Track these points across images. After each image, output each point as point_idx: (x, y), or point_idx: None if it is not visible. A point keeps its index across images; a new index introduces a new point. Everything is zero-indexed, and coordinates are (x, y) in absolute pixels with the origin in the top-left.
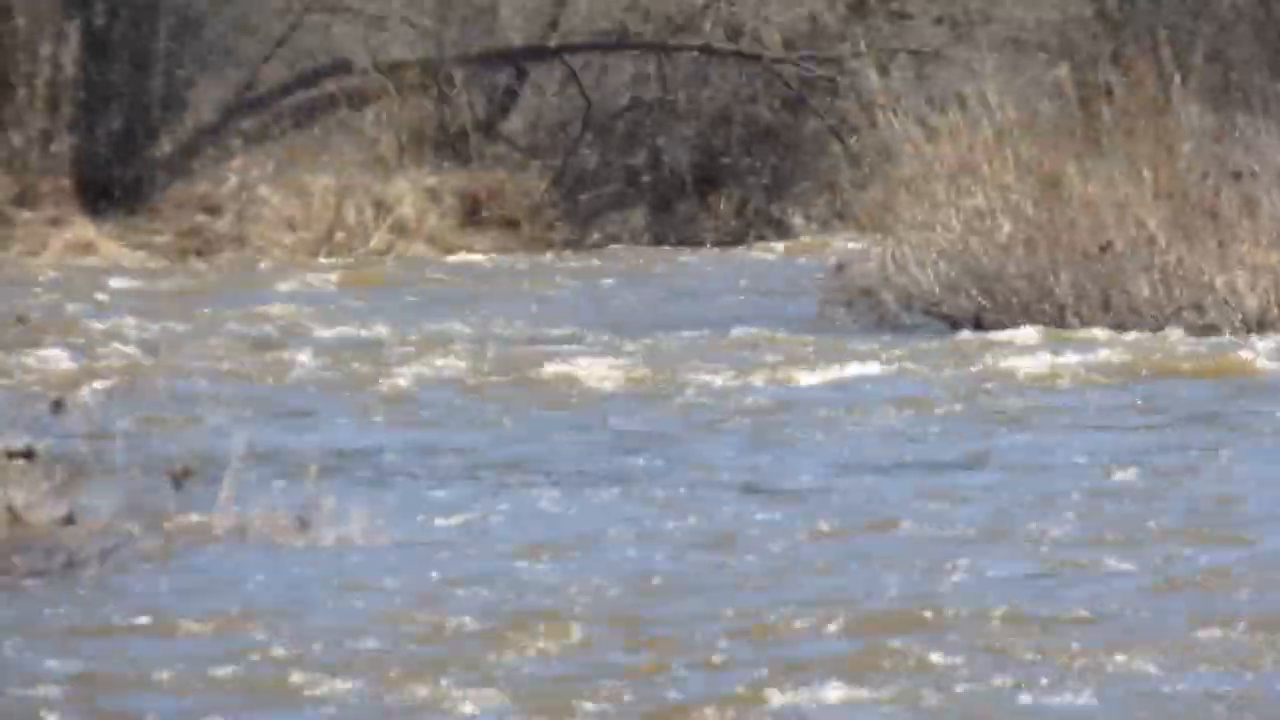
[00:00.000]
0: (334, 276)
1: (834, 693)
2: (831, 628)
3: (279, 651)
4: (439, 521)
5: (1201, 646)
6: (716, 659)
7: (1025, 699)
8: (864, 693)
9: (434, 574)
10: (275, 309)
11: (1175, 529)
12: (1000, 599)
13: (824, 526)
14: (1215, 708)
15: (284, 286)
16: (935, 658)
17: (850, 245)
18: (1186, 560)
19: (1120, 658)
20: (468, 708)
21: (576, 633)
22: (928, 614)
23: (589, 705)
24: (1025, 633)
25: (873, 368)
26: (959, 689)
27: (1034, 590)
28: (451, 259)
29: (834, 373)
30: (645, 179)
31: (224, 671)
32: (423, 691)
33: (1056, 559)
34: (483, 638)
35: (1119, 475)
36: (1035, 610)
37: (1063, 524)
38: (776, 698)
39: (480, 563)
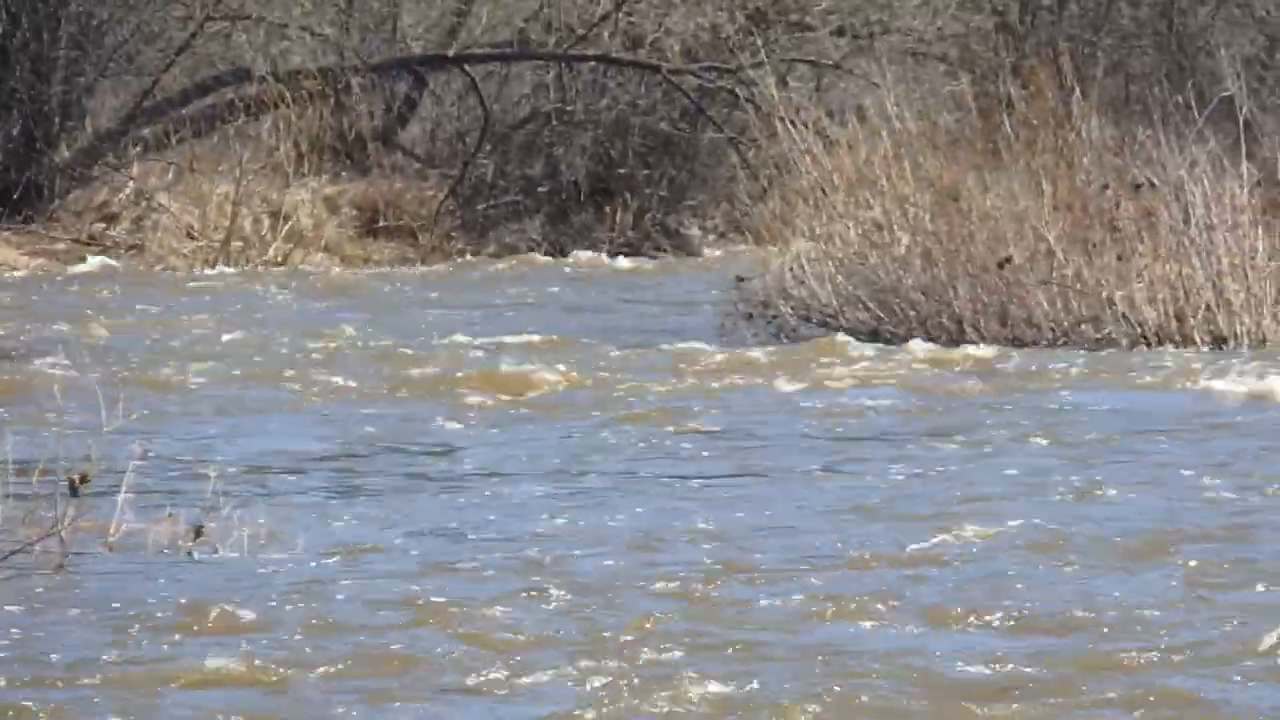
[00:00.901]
0: (232, 284)
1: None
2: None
3: (154, 659)
4: (339, 532)
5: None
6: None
7: None
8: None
9: (326, 586)
10: (175, 314)
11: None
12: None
13: (709, 525)
14: None
15: (185, 291)
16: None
17: (748, 257)
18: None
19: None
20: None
21: (466, 644)
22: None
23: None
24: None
25: (773, 379)
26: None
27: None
28: (348, 268)
29: (736, 382)
30: (543, 189)
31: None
32: (311, 699)
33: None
34: (373, 659)
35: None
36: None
37: None
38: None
39: (382, 580)
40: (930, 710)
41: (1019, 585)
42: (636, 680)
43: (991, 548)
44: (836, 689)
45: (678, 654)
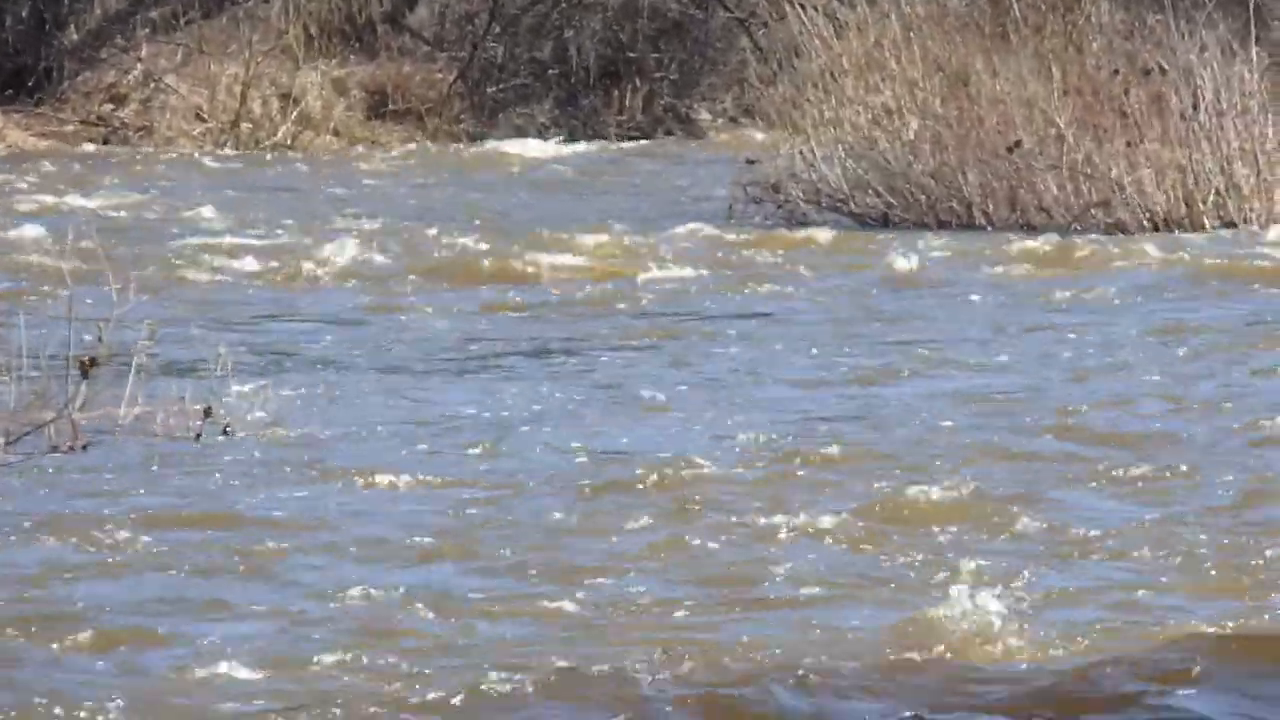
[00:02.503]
0: (240, 166)
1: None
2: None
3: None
4: (343, 414)
5: None
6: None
7: None
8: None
9: (336, 464)
10: (180, 200)
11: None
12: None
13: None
14: None
15: (193, 173)
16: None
17: (758, 142)
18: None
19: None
20: (375, 592)
21: (464, 526)
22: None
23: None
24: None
25: (778, 265)
26: None
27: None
28: (356, 150)
29: (743, 270)
30: (552, 72)
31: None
32: (313, 574)
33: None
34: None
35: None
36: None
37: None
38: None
39: (381, 454)
40: None
41: None
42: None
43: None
44: None
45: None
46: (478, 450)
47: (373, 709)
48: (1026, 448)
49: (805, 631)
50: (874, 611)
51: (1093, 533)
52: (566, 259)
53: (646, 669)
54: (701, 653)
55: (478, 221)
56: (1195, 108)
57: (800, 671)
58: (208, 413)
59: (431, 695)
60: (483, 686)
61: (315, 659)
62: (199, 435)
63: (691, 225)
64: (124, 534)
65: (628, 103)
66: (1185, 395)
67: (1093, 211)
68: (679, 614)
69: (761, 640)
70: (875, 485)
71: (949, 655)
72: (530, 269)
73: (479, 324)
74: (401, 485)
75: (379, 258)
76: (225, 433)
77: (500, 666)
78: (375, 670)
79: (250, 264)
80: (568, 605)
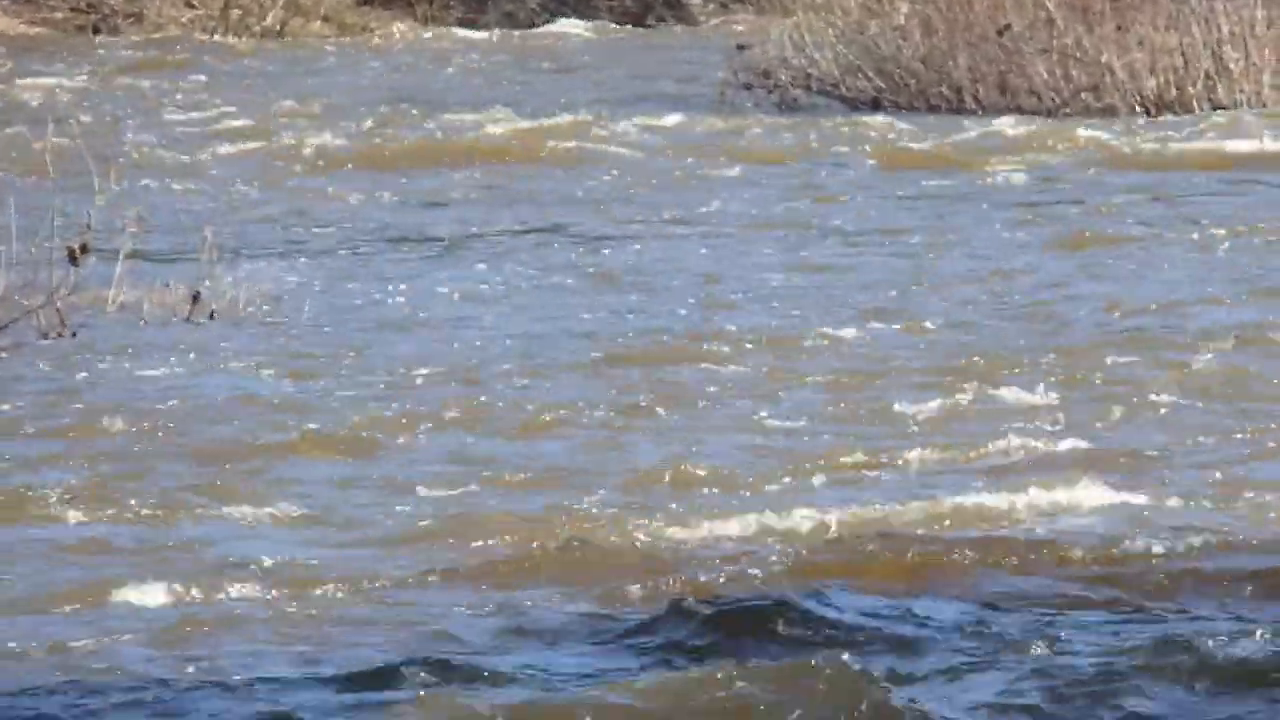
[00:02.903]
0: (230, 51)
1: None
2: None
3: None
4: (329, 297)
5: None
6: None
7: None
8: None
9: (316, 348)
10: (168, 88)
11: None
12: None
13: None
14: None
15: (183, 59)
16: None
17: (749, 27)
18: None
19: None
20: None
21: (441, 394)
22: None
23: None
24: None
25: (771, 147)
26: None
27: None
28: (346, 36)
29: (734, 151)
30: None
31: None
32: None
33: None
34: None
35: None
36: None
37: None
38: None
39: (362, 336)
40: None
41: None
42: None
43: None
44: None
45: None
46: (456, 330)
47: (356, 580)
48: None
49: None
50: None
51: None
52: (556, 143)
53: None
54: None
55: (466, 105)
56: None
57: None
58: (195, 298)
59: (400, 566)
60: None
61: (310, 538)
62: (187, 318)
63: (683, 110)
64: (112, 418)
65: None
66: None
67: (1083, 95)
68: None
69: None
70: (855, 354)
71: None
72: (519, 150)
73: (464, 207)
74: (381, 367)
75: (363, 143)
76: (212, 317)
77: (507, 533)
78: (351, 546)
79: (238, 151)
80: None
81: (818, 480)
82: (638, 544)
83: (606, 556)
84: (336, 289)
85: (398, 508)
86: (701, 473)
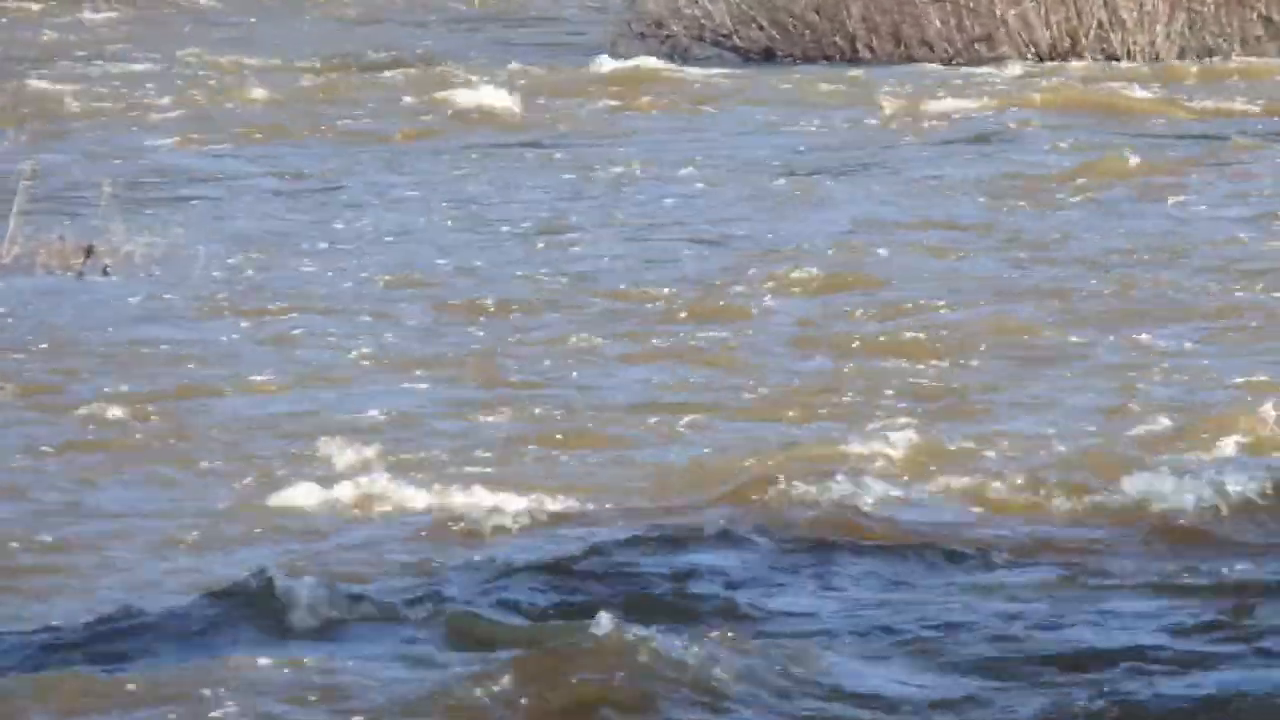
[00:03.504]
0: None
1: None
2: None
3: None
4: (219, 243)
5: None
6: None
7: None
8: None
9: (217, 292)
10: (61, 35)
11: None
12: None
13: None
14: None
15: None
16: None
17: None
18: None
19: None
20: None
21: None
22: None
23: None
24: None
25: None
26: None
27: None
28: None
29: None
30: None
31: None
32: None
33: None
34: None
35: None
36: None
37: None
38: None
39: (258, 290)
40: None
41: None
42: None
43: None
44: None
45: None
46: (335, 273)
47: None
48: None
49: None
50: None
51: None
52: (449, 94)
53: None
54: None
55: (356, 56)
56: None
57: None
58: (89, 252)
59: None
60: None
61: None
62: (80, 274)
63: (575, 59)
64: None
65: None
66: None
67: (976, 45)
68: None
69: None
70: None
71: None
72: (414, 102)
73: (355, 160)
74: (275, 316)
75: (265, 92)
76: (105, 272)
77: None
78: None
79: (136, 99)
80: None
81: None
82: None
83: None
84: (231, 241)
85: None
86: None
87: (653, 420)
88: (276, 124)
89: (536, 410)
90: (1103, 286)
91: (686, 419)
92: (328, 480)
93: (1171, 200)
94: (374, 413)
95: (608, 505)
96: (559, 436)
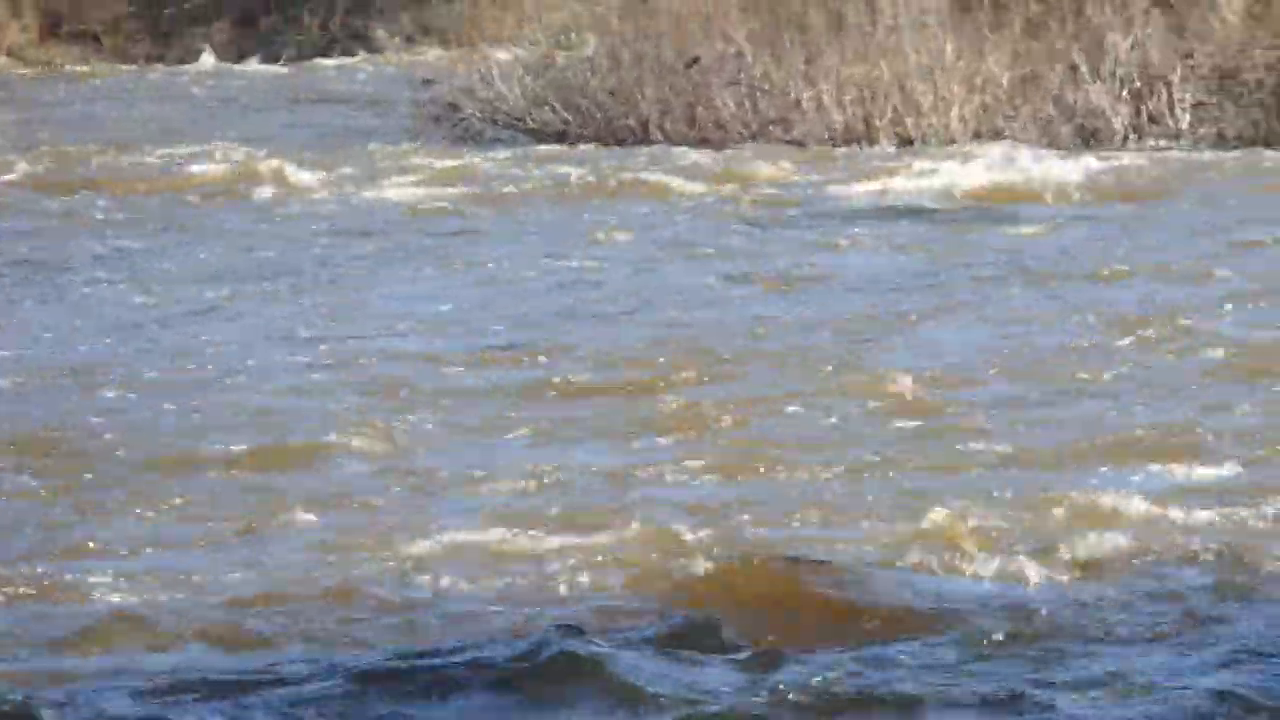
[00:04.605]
0: None
1: None
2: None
3: None
4: None
5: None
6: None
7: None
8: None
9: None
10: None
11: None
12: None
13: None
14: None
15: None
16: None
17: (436, 60)
18: None
19: None
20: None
21: None
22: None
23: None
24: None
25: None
26: None
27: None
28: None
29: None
30: None
31: None
32: None
33: None
34: None
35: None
36: None
37: None
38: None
39: None
40: None
41: None
42: None
43: None
44: None
45: None
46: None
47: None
48: None
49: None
50: None
51: None
52: (230, 176)
53: None
54: None
55: (150, 141)
56: (873, 24)
57: None
58: None
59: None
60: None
61: None
62: None
63: (372, 144)
64: None
65: (305, 22)
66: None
67: (771, 128)
68: None
69: None
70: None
71: None
72: (195, 184)
73: (128, 238)
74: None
75: (34, 170)
76: None
77: None
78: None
79: None
80: None
81: None
82: None
83: None
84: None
85: None
86: None
87: None
88: (58, 207)
89: None
90: None
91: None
92: None
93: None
94: None
95: None
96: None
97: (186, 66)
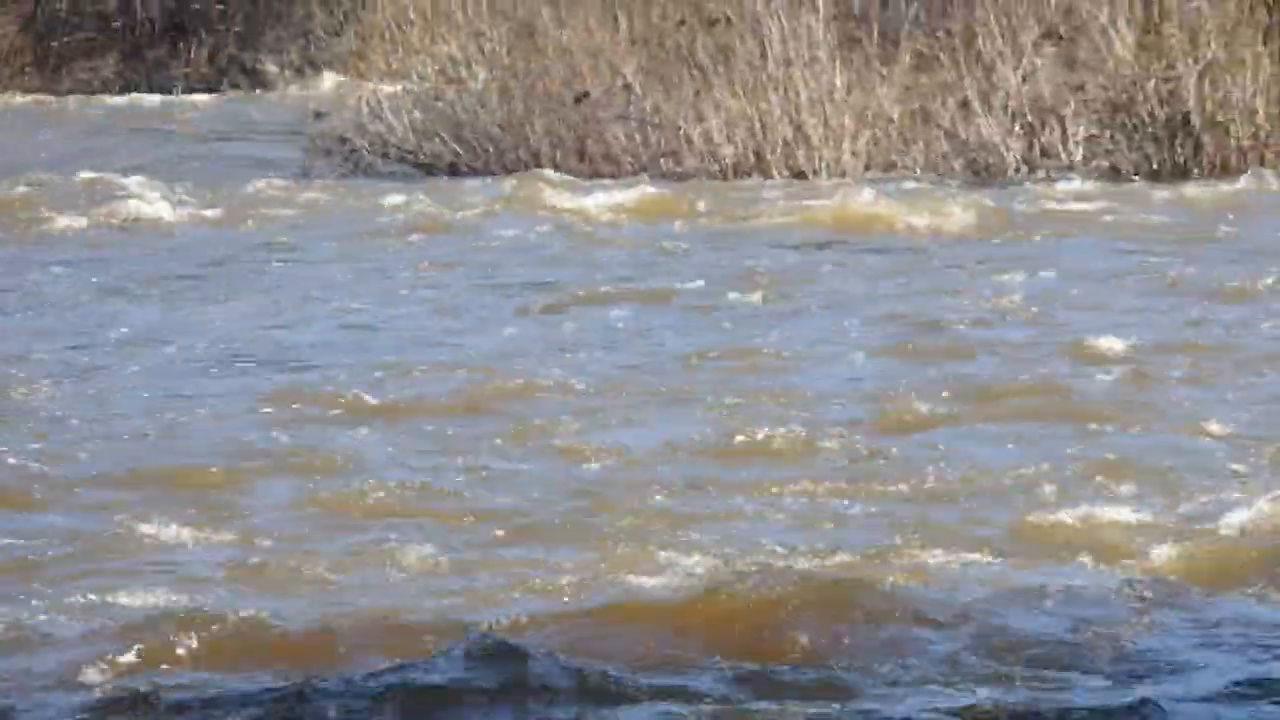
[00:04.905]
0: None
1: None
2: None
3: None
4: None
5: None
6: None
7: None
8: None
9: None
10: None
11: None
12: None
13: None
14: None
15: None
16: None
17: (327, 93)
18: None
19: None
20: None
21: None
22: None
23: None
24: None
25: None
26: None
27: None
28: None
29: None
30: (117, 25)
31: None
32: None
33: None
34: None
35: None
36: None
37: None
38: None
39: None
40: None
41: None
42: None
43: None
44: None
45: None
46: None
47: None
48: None
49: None
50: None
51: None
52: (129, 211)
53: None
54: None
55: (35, 175)
56: (763, 58)
57: None
58: None
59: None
60: None
61: None
62: None
63: (262, 179)
64: None
65: (193, 55)
66: None
67: (661, 161)
68: None
69: None
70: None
71: None
72: (93, 222)
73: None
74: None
75: None
76: None
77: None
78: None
79: None
80: None
81: None
82: None
83: None
84: None
85: None
86: None
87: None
88: None
89: None
90: None
91: None
92: None
93: None
94: None
95: None
96: None
97: (73, 98)
